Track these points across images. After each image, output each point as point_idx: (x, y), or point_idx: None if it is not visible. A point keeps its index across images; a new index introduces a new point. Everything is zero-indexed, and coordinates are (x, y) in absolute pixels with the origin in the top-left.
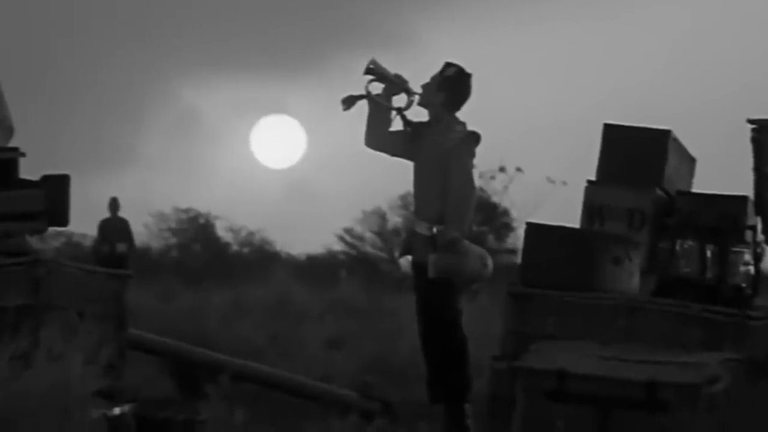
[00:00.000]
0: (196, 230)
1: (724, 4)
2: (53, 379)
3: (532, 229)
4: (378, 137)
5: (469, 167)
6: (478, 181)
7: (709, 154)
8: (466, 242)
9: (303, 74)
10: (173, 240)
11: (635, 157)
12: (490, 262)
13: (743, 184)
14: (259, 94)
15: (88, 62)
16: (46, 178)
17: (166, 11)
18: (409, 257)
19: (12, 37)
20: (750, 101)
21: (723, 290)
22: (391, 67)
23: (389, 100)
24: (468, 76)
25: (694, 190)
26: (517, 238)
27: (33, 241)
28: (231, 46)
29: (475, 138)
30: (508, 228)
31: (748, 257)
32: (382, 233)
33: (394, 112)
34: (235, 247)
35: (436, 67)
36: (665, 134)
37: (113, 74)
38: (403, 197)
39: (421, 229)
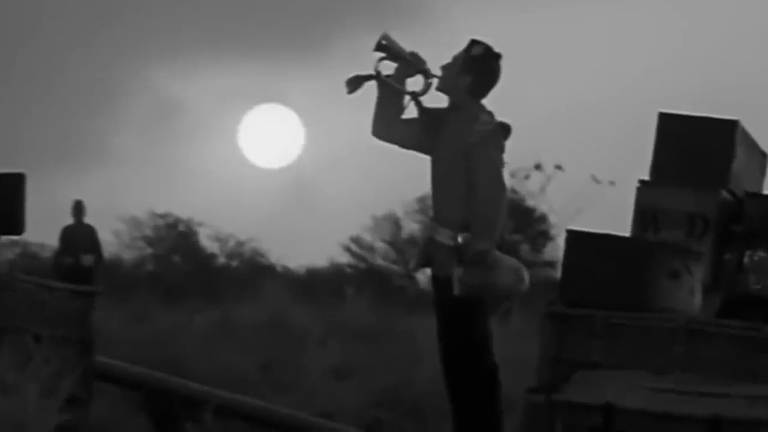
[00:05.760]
0: (176, 239)
1: None
2: (5, 415)
3: (574, 237)
4: (387, 126)
5: (498, 164)
6: (510, 181)
7: None
8: (497, 253)
9: (300, 57)
10: (148, 251)
11: (696, 152)
12: (526, 276)
13: None
14: (248, 81)
15: (50, 44)
16: None
17: None
18: (428, 270)
19: None
20: None
21: None
22: (407, 45)
23: (402, 83)
24: (497, 56)
25: (767, 191)
26: (557, 249)
27: None
28: (216, 25)
29: (504, 130)
30: (545, 236)
31: None
32: (395, 243)
33: (407, 97)
34: (221, 259)
35: (459, 47)
36: (732, 125)
37: (80, 58)
38: (421, 200)
39: (442, 237)
